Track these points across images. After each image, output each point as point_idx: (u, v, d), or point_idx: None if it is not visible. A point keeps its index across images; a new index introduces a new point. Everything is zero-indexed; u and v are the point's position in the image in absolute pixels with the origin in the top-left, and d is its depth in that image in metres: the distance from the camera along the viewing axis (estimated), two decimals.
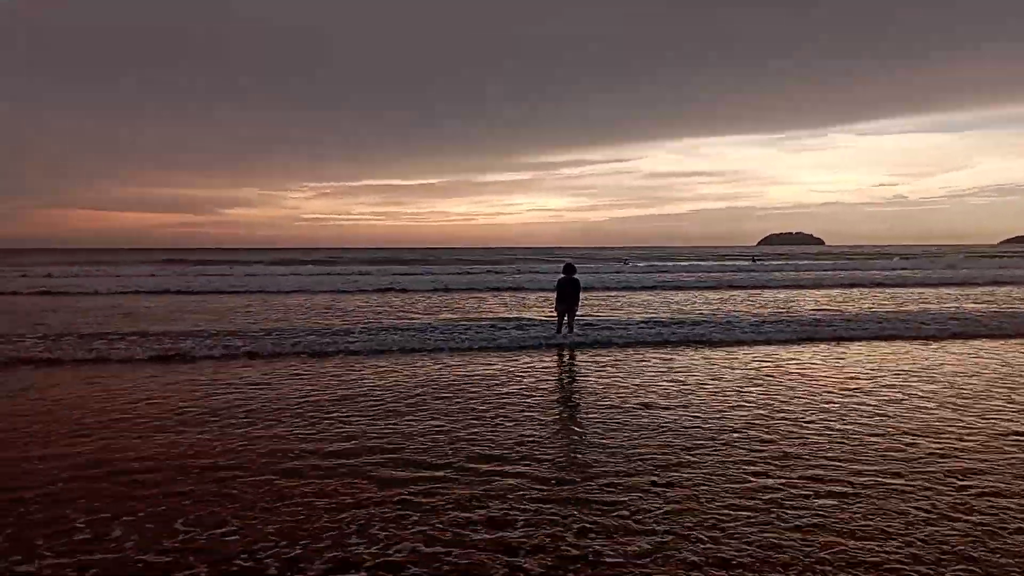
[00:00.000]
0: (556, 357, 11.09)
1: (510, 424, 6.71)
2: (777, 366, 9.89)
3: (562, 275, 13.28)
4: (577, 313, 13.58)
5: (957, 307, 18.28)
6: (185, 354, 10.93)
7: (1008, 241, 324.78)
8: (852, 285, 27.94)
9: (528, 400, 7.82)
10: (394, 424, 6.69)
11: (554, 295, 13.74)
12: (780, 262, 59.95)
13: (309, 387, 8.55)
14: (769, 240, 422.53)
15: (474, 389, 8.40)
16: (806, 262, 60.43)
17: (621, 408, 7.34)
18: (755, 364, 10.09)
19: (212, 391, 8.30)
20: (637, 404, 7.53)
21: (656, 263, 58.85)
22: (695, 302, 20.85)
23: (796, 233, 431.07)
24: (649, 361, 10.41)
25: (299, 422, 6.79)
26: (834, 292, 24.83)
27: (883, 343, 12.17)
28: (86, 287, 27.08)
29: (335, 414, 7.12)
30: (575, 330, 13.22)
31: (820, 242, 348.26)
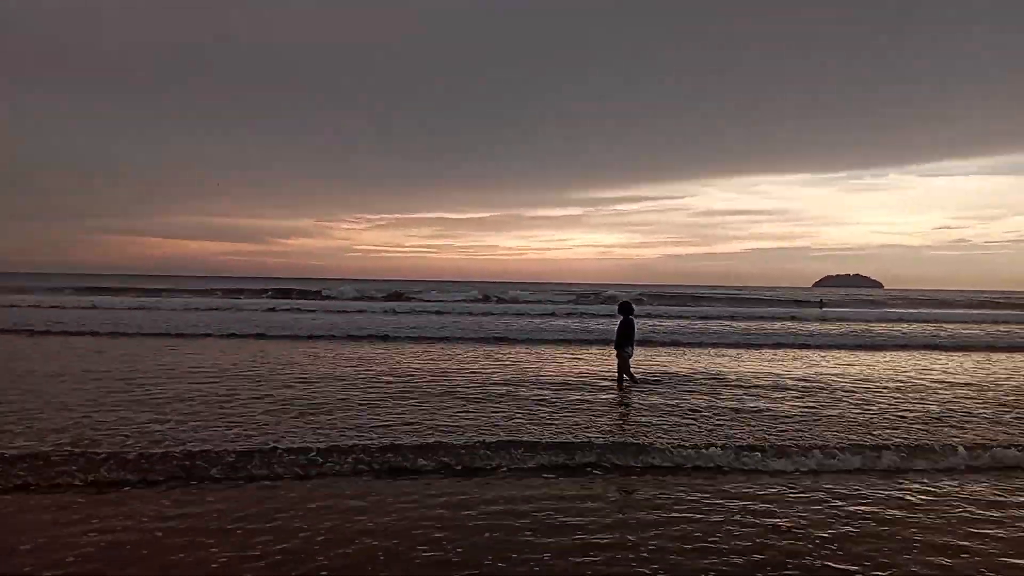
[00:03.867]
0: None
1: None
2: None
3: (621, 316, 11.99)
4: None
5: None
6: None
7: None
8: None
9: None
10: None
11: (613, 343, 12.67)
12: (847, 310, 56.56)
13: None
14: (825, 282, 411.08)
15: None
16: (885, 310, 57.28)
17: None
18: None
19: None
20: None
21: (730, 308, 56.27)
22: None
23: (853, 275, 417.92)
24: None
25: None
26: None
27: None
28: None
29: None
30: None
31: (878, 285, 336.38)
